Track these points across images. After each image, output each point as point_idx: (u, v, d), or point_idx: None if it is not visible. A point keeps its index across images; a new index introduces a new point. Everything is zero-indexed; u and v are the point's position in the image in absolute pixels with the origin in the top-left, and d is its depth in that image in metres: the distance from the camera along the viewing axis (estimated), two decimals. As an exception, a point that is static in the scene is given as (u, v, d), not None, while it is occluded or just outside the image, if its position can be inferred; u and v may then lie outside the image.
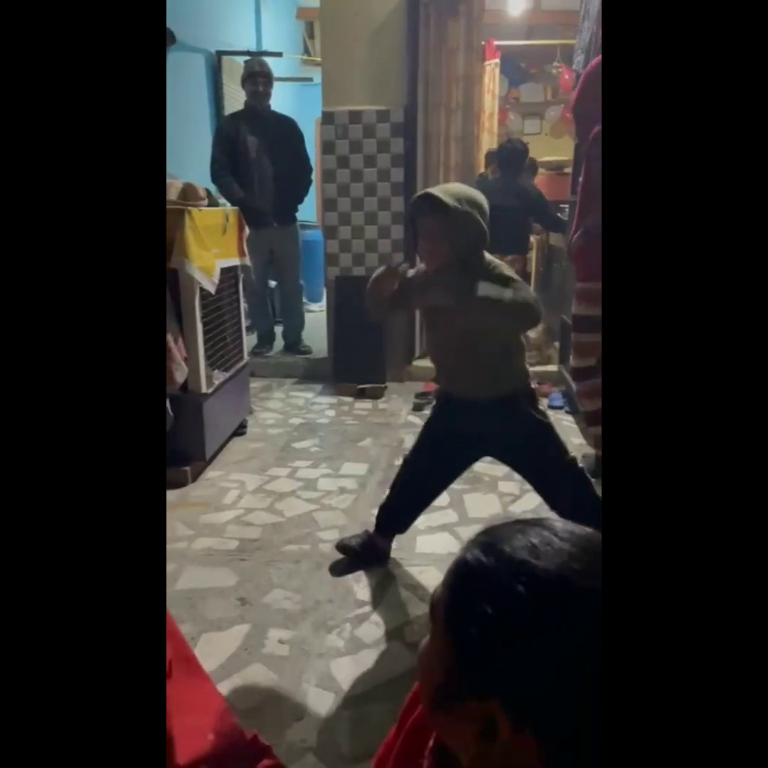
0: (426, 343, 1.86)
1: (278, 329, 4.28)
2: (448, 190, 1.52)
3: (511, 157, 3.69)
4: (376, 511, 1.96)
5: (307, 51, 6.86)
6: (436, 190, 1.50)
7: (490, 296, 1.45)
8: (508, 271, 1.58)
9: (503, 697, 0.43)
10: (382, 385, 3.62)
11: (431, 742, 0.58)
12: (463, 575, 0.48)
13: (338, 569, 1.88)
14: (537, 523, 0.49)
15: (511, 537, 0.47)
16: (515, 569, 0.44)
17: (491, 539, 0.48)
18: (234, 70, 4.83)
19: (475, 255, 1.55)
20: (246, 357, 3.04)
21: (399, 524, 1.90)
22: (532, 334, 3.84)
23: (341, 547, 1.92)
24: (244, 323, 3.00)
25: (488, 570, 0.46)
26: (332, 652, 1.56)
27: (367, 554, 1.89)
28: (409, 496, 1.85)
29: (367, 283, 1.68)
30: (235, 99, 4.72)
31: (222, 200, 3.70)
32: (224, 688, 1.42)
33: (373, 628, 1.65)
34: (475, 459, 1.84)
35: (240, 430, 2.96)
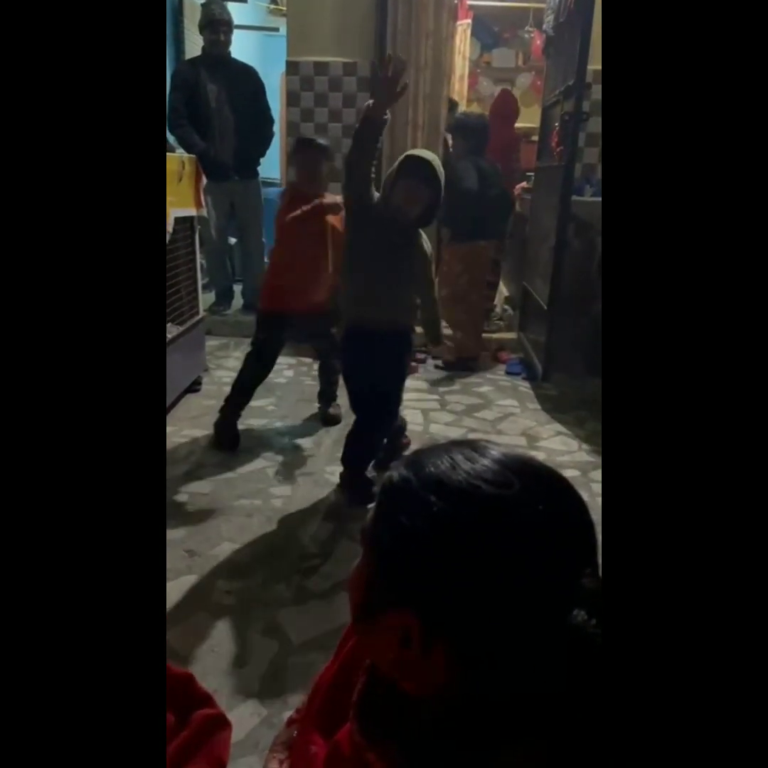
0: (357, 273, 1.93)
1: (237, 288, 4.18)
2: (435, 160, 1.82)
3: (475, 132, 3.27)
4: (330, 469, 2.15)
5: None
6: (429, 157, 1.81)
7: None
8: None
9: (416, 606, 0.43)
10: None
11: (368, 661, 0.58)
12: (385, 490, 0.47)
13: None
14: (468, 443, 0.48)
15: (435, 454, 0.47)
16: (430, 481, 0.44)
17: (417, 457, 0.48)
18: (197, 13, 4.60)
19: (433, 216, 1.89)
20: (201, 312, 2.96)
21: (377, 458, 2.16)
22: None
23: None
24: (200, 276, 2.90)
25: (407, 483, 0.45)
26: (279, 602, 1.55)
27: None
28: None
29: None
30: (197, 44, 4.50)
31: (179, 150, 3.56)
32: (166, 637, 1.40)
33: (322, 580, 1.65)
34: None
35: (194, 387, 2.90)
